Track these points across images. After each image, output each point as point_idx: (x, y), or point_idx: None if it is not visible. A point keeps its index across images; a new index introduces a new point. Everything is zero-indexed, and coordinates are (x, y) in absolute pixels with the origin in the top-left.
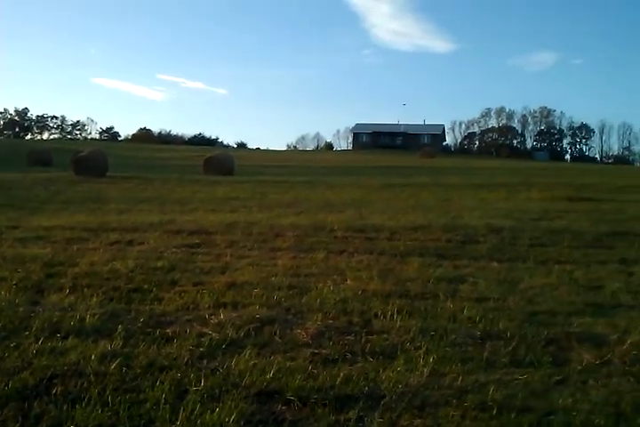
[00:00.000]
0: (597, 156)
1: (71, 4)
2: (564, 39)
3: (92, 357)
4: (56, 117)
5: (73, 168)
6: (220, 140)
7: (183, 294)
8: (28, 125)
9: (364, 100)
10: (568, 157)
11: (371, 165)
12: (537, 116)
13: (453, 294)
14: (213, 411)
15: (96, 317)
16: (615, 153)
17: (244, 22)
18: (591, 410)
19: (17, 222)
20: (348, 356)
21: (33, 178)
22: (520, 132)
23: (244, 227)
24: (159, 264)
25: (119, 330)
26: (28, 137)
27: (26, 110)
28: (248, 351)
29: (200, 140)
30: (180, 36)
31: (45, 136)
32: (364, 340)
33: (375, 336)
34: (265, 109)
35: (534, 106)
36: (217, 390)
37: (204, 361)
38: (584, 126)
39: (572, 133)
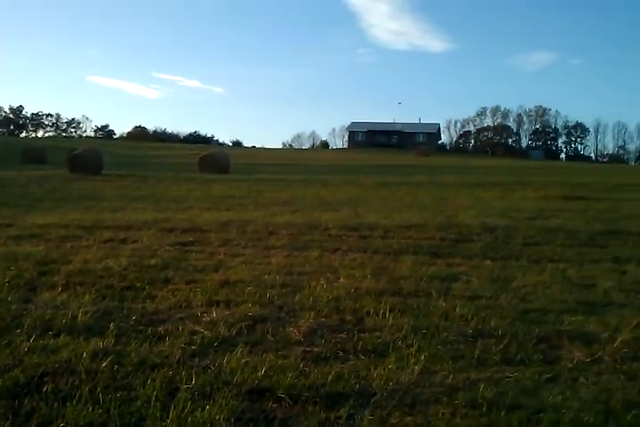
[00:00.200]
0: (592, 155)
1: (68, 3)
2: (561, 39)
3: (84, 355)
4: (51, 115)
5: (68, 166)
6: (215, 139)
7: (176, 292)
8: (22, 123)
9: (361, 98)
10: (563, 155)
11: (366, 163)
12: (532, 115)
13: (446, 292)
14: (204, 409)
15: (88, 314)
16: (610, 152)
17: (242, 21)
18: (581, 408)
19: (11, 220)
20: (340, 354)
21: (28, 176)
22: (515, 131)
23: (238, 225)
24: (152, 262)
25: (111, 328)
26: (23, 135)
27: (21, 108)
28: (240, 349)
29: (195, 139)
30: (177, 35)
31: (40, 134)
32: (356, 338)
33: (367, 334)
34: (261, 108)
35: (530, 105)
36: (208, 388)
37: (196, 359)
38: (579, 125)
39: (568, 132)
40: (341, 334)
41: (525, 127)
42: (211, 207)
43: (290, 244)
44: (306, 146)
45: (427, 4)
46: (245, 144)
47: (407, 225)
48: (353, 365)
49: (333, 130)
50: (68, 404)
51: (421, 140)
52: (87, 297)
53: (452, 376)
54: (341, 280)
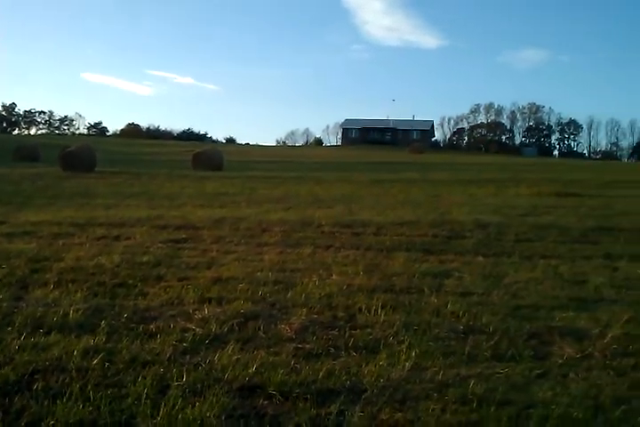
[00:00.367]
0: (585, 151)
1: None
2: (554, 36)
3: (75, 352)
4: (44, 113)
5: (61, 163)
6: (209, 136)
7: (168, 289)
8: (15, 120)
9: (354, 95)
10: (556, 152)
11: (360, 160)
12: (525, 112)
13: (438, 288)
14: (195, 406)
15: (80, 312)
16: (603, 149)
17: (236, 19)
18: (570, 403)
19: (4, 218)
20: (332, 350)
21: (20, 173)
22: (509, 127)
23: (231, 222)
24: (145, 259)
25: (103, 325)
26: (16, 132)
27: (13, 105)
28: (231, 346)
29: (189, 136)
30: (170, 33)
31: (33, 131)
32: (347, 334)
33: (359, 331)
34: (254, 105)
35: (523, 102)
36: (199, 385)
37: (187, 356)
38: (572, 122)
39: (561, 129)
40: (333, 331)
41: (519, 124)
42: (204, 204)
43: (283, 241)
44: (299, 143)
45: None
46: (239, 141)
47: (400, 222)
48: (344, 361)
49: (327, 127)
50: (58, 401)
51: (415, 137)
52: (79, 294)
53: (442, 372)
54: (334, 277)
